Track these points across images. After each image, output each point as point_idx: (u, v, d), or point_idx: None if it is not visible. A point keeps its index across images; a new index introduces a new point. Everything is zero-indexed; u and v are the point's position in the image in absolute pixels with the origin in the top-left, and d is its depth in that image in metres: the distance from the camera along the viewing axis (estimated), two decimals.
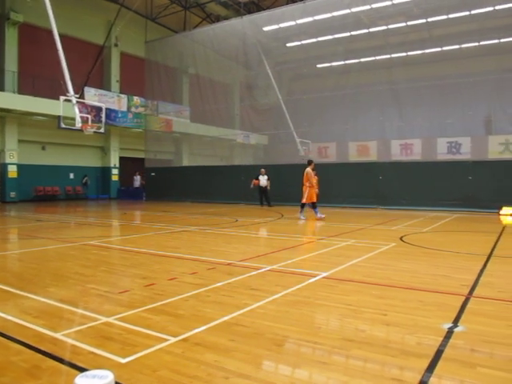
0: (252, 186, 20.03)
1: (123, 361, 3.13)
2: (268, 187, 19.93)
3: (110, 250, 8.39)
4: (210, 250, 8.26)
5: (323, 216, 14.32)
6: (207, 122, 26.96)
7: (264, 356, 3.29)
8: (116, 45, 27.83)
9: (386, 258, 7.49)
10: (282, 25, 22.74)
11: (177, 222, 13.85)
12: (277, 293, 5.01)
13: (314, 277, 5.83)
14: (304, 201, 14.49)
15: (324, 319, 4.31)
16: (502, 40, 21.19)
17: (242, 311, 4.33)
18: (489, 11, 19.59)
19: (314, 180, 14.75)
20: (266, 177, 19.98)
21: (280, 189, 20.43)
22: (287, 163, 22.35)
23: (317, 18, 21.56)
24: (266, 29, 23.52)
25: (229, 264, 6.73)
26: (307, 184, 14.44)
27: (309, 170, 14.55)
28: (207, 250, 8.27)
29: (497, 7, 19.28)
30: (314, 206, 14.52)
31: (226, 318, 4.11)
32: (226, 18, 28.81)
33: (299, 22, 22.14)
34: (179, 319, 4.11)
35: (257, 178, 20.02)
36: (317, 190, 14.94)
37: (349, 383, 2.88)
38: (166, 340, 3.54)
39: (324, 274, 5.99)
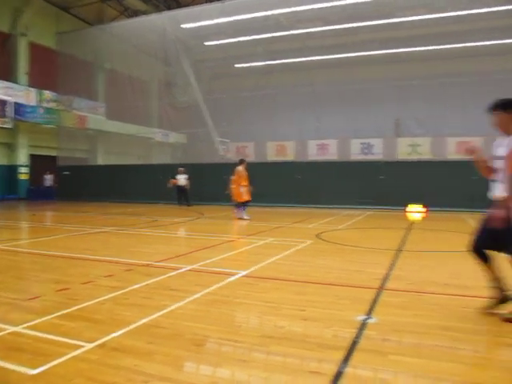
0: (170, 185, 19.75)
1: (33, 372, 2.96)
2: (187, 187, 19.73)
3: (18, 254, 7.87)
4: (128, 251, 8.04)
5: (247, 218, 14.12)
6: (124, 119, 26.12)
7: (184, 357, 3.26)
8: (24, 34, 26.05)
9: (303, 255, 7.72)
10: (201, 23, 22.57)
11: (92, 222, 13.31)
12: (196, 292, 4.98)
13: (234, 275, 5.87)
14: (243, 199, 14.24)
15: (244, 317, 4.35)
16: (408, 49, 22.64)
17: (161, 313, 4.26)
18: (399, 22, 20.79)
19: (244, 179, 14.36)
20: (184, 176, 19.77)
21: (199, 188, 20.32)
22: (206, 162, 22.28)
23: (236, 18, 21.65)
24: (185, 26, 23.21)
25: (147, 265, 6.59)
26: (238, 183, 14.19)
27: (240, 168, 14.40)
28: (124, 251, 8.03)
29: (404, 19, 20.52)
30: (239, 205, 14.44)
31: (144, 321, 4.02)
32: (145, 13, 28.06)
33: (218, 21, 22.08)
34: (95, 324, 3.95)
35: (174, 178, 19.77)
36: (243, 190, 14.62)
37: (269, 379, 2.94)
38: (82, 347, 3.39)
39: (243, 273, 6.05)
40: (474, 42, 21.39)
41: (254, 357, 3.30)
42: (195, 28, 23.12)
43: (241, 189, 14.27)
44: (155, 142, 27.70)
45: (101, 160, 28.68)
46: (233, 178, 14.57)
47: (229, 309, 4.49)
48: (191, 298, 4.77)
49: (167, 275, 5.89)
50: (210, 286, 5.26)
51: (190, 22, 22.69)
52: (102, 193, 23.75)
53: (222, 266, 6.64)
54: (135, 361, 3.14)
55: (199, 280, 5.67)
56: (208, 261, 6.91)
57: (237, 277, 5.83)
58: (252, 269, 6.34)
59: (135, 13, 29.36)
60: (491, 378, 2.97)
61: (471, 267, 6.90)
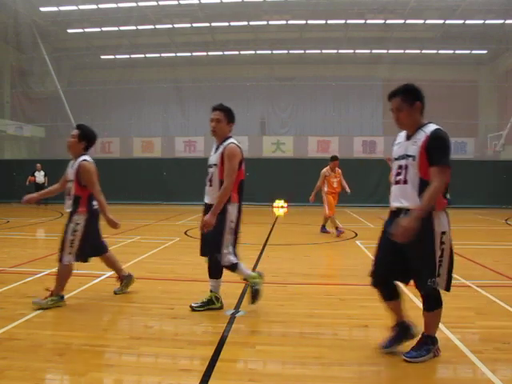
0: (27, 182, 18.18)
1: None
2: (45, 184, 18.33)
3: None
4: None
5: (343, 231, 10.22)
6: None
7: (45, 369, 3.04)
8: None
9: (171, 253, 7.70)
10: (62, 8, 20.93)
11: None
12: None
13: (99, 277, 5.62)
14: (330, 213, 10.10)
15: (111, 320, 4.22)
16: (274, 52, 23.63)
17: (16, 323, 3.90)
18: (263, 25, 21.55)
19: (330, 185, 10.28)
20: (42, 173, 18.36)
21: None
22: (68, 158, 20.89)
23: (101, 6, 20.53)
24: (43, 9, 21.32)
25: None
26: (325, 189, 10.25)
27: (324, 170, 10.34)
28: None
29: (270, 22, 21.34)
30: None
31: None
32: None
33: (81, 7, 20.69)
34: None
35: (32, 175, 18.26)
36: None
37: (139, 381, 2.89)
38: None
39: (108, 274, 5.80)
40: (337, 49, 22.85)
41: (122, 360, 3.21)
42: (55, 12, 21.31)
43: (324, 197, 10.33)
44: (8, 135, 25.00)
45: None
46: None
47: (94, 312, 4.29)
48: None
49: (23, 281, 5.41)
50: (72, 290, 4.95)
51: (49, 5, 20.83)
52: None
53: (86, 267, 6.26)
54: None
55: None
56: None
57: (102, 278, 5.59)
58: None
59: None
60: (349, 357, 3.26)
61: (327, 257, 7.52)
